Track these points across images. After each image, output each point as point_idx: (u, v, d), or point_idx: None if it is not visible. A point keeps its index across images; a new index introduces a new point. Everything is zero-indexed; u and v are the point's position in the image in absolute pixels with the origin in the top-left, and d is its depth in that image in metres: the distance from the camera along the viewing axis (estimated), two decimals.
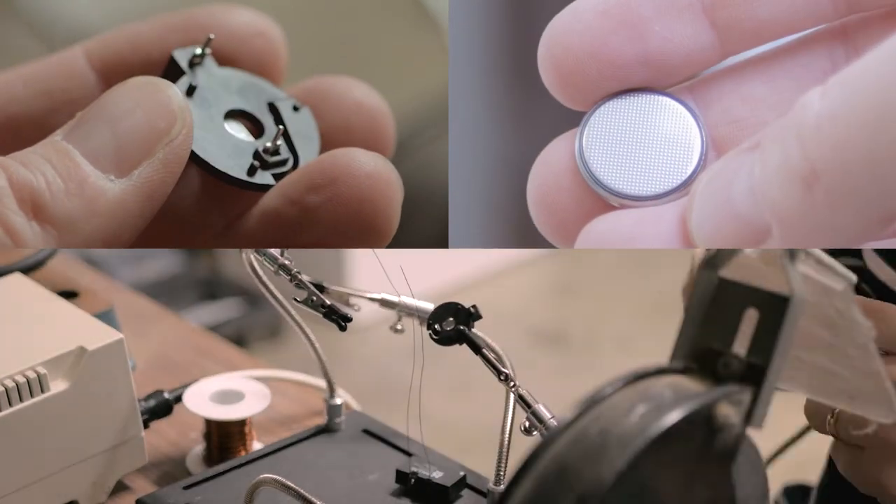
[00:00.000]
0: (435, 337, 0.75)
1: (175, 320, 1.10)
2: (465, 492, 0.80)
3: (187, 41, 0.68)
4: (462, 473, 0.79)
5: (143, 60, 0.68)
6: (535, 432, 0.74)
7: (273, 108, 0.68)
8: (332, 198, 0.63)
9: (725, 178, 0.54)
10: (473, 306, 0.76)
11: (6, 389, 0.76)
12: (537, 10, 1.45)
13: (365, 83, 0.69)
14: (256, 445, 0.88)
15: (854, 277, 0.56)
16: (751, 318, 0.55)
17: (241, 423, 0.87)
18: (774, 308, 0.54)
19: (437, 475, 0.79)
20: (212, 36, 0.67)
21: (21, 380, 0.77)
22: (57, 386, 0.78)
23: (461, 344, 0.76)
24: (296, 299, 0.79)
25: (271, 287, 0.81)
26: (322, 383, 0.88)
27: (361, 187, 0.63)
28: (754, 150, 0.53)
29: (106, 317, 0.89)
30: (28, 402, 0.77)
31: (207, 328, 1.34)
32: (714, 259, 0.55)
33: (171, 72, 0.67)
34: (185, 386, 0.89)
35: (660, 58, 0.58)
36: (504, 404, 0.76)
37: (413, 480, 0.79)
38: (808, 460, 0.95)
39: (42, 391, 0.78)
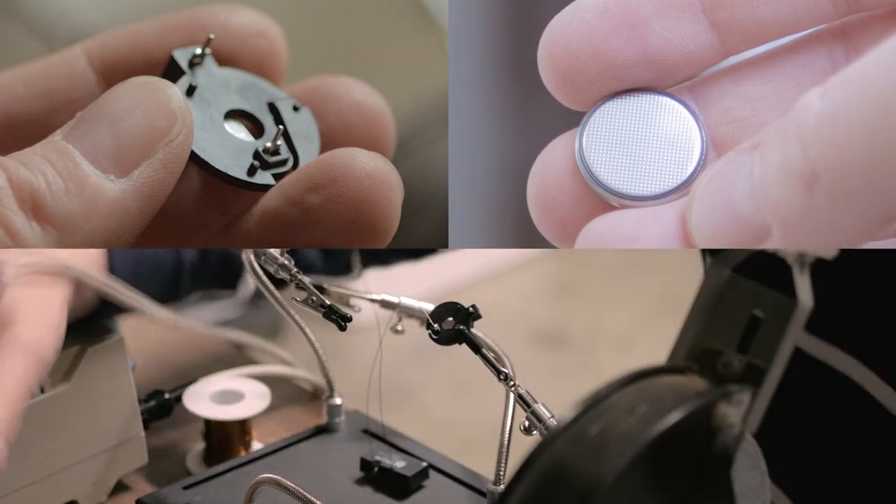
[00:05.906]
0: (435, 337, 0.75)
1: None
2: (430, 480, 0.80)
3: (188, 41, 0.68)
4: (424, 464, 0.79)
5: (143, 60, 0.68)
6: (534, 432, 0.74)
7: (273, 108, 0.68)
8: (332, 198, 0.63)
9: (725, 178, 0.54)
10: (473, 306, 0.76)
11: None
12: (537, 10, 1.45)
13: (365, 83, 0.69)
14: (256, 445, 0.88)
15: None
16: (754, 318, 0.55)
17: (241, 423, 0.87)
18: (781, 311, 0.54)
19: (399, 465, 0.79)
20: (212, 36, 0.67)
21: None
22: (57, 386, 0.78)
23: (461, 344, 0.76)
24: (295, 299, 0.79)
25: (271, 287, 0.81)
26: (322, 383, 0.88)
27: (361, 187, 0.63)
28: (754, 150, 0.53)
29: None
30: (28, 402, 0.77)
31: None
32: (724, 258, 0.55)
33: (171, 72, 0.67)
34: (185, 386, 0.89)
35: (660, 58, 0.58)
36: (504, 404, 0.76)
37: (377, 469, 0.79)
38: None
39: (42, 391, 0.78)
